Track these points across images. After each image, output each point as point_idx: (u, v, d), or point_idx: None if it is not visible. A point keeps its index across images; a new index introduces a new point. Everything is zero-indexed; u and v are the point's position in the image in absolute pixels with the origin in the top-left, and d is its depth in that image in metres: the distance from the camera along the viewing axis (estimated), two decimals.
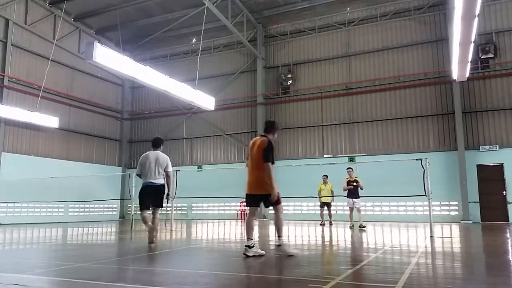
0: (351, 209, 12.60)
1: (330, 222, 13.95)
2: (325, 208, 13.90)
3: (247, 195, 5.72)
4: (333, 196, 13.69)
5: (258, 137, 5.82)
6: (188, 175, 16.66)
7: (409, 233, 10.55)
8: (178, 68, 21.73)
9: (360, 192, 12.60)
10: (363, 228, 11.65)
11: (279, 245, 5.66)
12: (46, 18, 19.27)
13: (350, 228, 12.22)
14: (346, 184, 12.59)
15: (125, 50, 21.35)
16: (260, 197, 5.60)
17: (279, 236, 5.68)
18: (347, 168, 12.87)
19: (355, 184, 12.45)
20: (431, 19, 17.91)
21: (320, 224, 13.71)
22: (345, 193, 12.72)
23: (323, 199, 13.69)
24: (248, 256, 5.40)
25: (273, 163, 5.56)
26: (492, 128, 16.30)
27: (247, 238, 5.55)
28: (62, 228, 13.91)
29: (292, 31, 20.51)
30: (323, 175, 13.80)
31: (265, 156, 5.45)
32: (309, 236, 9.78)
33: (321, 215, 13.96)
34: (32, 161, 17.94)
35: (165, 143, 7.21)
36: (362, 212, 12.92)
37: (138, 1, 18.66)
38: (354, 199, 12.44)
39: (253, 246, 5.51)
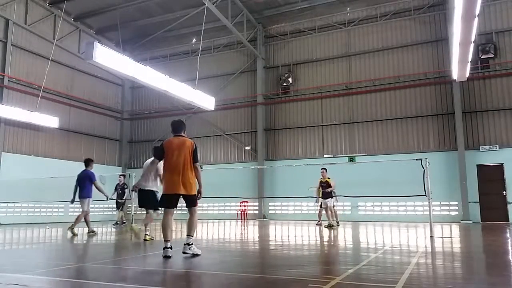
0: (326, 209, 12.78)
1: (337, 222, 13.87)
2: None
3: (170, 195, 5.55)
4: (333, 196, 13.64)
5: (175, 137, 5.75)
6: None
7: (409, 233, 10.55)
8: (178, 68, 21.73)
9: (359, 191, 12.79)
10: (331, 227, 12.10)
11: (187, 244, 5.51)
12: (46, 18, 19.27)
13: (326, 227, 12.32)
14: (318, 184, 12.85)
15: (125, 50, 21.34)
16: (179, 197, 5.58)
17: (190, 235, 5.61)
18: (321, 169, 12.86)
19: (325, 185, 12.61)
20: (431, 19, 17.91)
21: (317, 224, 13.69)
22: (343, 192, 12.97)
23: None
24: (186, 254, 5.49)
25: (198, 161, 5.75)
26: (492, 128, 16.30)
27: (166, 240, 5.49)
28: (62, 228, 13.90)
29: (292, 31, 20.51)
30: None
31: (196, 157, 5.65)
32: (309, 236, 9.78)
33: (319, 215, 13.92)
34: (32, 161, 17.93)
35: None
36: (337, 212, 13.53)
37: (138, 1, 18.66)
38: (324, 199, 12.69)
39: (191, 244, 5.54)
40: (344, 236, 9.59)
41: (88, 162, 10.41)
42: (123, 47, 20.89)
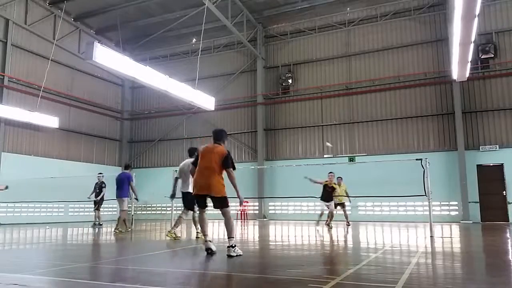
0: (323, 212, 12.61)
1: (348, 222, 13.67)
2: (337, 208, 13.50)
3: (195, 195, 5.90)
4: (348, 196, 13.43)
5: (212, 144, 6.07)
6: None
7: (409, 233, 10.55)
8: (178, 68, 21.72)
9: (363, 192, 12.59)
10: (318, 224, 12.47)
11: (230, 246, 5.63)
12: (46, 18, 19.26)
13: (330, 227, 12.27)
14: (322, 183, 12.33)
15: (125, 50, 21.34)
16: (204, 197, 5.86)
17: (230, 237, 5.74)
18: (330, 172, 12.48)
19: (329, 190, 12.24)
20: (431, 19, 17.90)
21: (326, 224, 13.55)
22: (358, 193, 12.83)
23: (337, 200, 13.30)
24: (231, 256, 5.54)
25: (234, 168, 5.89)
26: (492, 128, 16.30)
27: (205, 234, 5.92)
28: (62, 228, 13.91)
29: (292, 31, 20.51)
30: (338, 177, 13.27)
31: (229, 163, 5.80)
32: (309, 236, 9.78)
33: (329, 215, 13.75)
34: (32, 161, 17.93)
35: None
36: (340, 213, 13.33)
37: (138, 1, 18.65)
38: (327, 202, 12.32)
39: (234, 246, 5.66)
40: (344, 236, 9.58)
41: (127, 167, 11.66)
42: (123, 47, 20.90)
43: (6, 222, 16.53)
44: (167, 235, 8.49)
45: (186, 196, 8.45)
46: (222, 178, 5.80)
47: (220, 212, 5.83)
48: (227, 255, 5.54)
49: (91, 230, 12.58)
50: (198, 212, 6.23)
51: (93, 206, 14.62)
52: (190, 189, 8.28)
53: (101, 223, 14.41)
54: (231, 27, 17.58)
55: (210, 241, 5.85)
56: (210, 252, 5.74)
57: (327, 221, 12.84)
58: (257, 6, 19.40)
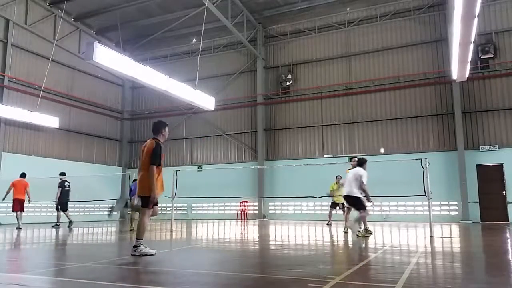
0: (348, 210, 10.93)
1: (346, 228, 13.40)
2: (336, 208, 13.39)
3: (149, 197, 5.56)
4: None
5: (149, 139, 5.85)
6: (188, 175, 16.65)
7: (409, 233, 10.55)
8: (178, 68, 21.74)
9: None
10: (346, 232, 10.37)
11: (135, 246, 5.54)
12: (46, 18, 19.28)
13: (345, 232, 10.75)
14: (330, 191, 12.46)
15: (125, 50, 21.35)
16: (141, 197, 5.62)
17: (138, 238, 5.61)
18: (337, 176, 12.68)
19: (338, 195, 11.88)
20: (431, 19, 17.91)
21: (327, 224, 13.52)
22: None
23: (336, 200, 13.10)
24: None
25: (159, 164, 5.57)
26: (492, 128, 16.31)
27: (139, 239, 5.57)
28: (62, 228, 13.91)
29: (292, 31, 20.52)
30: (337, 176, 13.12)
31: (153, 159, 5.51)
32: (309, 236, 9.79)
33: (330, 215, 13.74)
34: (32, 161, 17.93)
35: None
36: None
37: (138, 1, 18.67)
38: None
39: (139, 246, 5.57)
40: (344, 236, 9.58)
41: None
42: (123, 47, 20.91)
43: (6, 222, 16.53)
44: (358, 235, 8.83)
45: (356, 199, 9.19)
46: (147, 175, 5.53)
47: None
48: (131, 254, 5.50)
49: (68, 231, 12.39)
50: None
51: (61, 208, 14.39)
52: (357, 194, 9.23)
53: (58, 223, 14.13)
54: (231, 27, 17.59)
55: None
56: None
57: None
58: (257, 6, 19.41)
